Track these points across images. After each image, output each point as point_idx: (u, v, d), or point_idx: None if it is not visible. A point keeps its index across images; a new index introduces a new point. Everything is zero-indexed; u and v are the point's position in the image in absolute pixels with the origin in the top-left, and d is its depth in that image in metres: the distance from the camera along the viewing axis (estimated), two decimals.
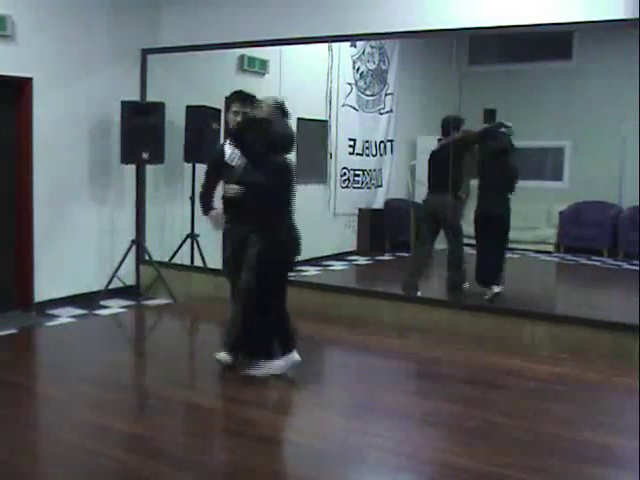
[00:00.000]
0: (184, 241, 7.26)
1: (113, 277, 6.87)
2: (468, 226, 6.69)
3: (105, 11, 6.82)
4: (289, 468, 3.61)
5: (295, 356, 4.71)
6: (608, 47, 6.67)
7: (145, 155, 6.79)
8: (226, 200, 4.86)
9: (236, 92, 4.85)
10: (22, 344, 5.76)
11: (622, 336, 5.23)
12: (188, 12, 7.09)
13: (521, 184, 6.54)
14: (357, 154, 8.47)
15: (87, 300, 6.71)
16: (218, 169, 4.94)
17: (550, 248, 8.04)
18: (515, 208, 6.47)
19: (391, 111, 8.57)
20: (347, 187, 8.49)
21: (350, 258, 8.45)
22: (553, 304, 6.63)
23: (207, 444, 3.76)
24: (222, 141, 5.04)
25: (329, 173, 8.39)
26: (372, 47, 8.32)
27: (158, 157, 6.89)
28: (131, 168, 7.09)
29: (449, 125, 6.51)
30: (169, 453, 3.65)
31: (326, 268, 7.90)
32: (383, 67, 8.50)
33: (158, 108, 6.89)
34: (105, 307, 6.70)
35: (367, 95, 8.48)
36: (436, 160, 6.61)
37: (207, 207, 5.06)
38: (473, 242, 6.71)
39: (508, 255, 6.86)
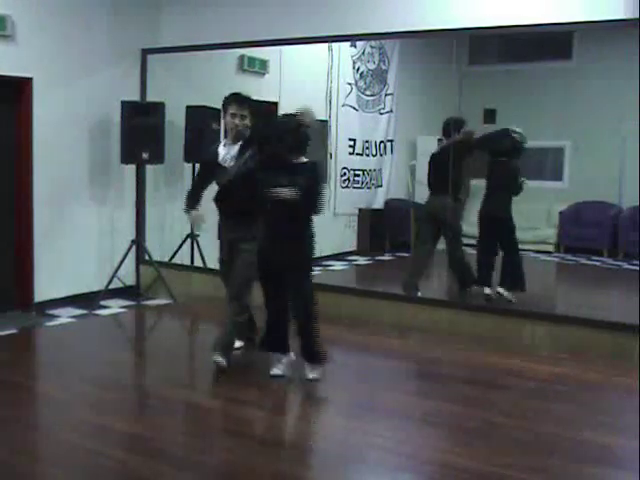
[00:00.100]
0: (184, 241, 7.27)
1: (113, 277, 6.87)
2: (468, 227, 6.69)
3: (105, 11, 6.82)
4: (289, 468, 3.60)
5: (292, 356, 4.74)
6: (608, 47, 6.66)
7: (145, 155, 6.79)
8: (220, 200, 4.85)
9: (233, 94, 4.84)
10: (22, 344, 5.77)
11: (622, 336, 5.23)
12: (188, 12, 7.09)
13: None
14: (357, 154, 8.47)
15: (87, 300, 6.71)
16: (209, 170, 4.92)
17: (550, 248, 8.03)
18: (515, 208, 6.47)
19: (391, 111, 8.57)
20: (347, 187, 8.48)
21: (350, 258, 8.44)
22: (553, 304, 6.62)
23: (207, 444, 3.75)
24: (222, 141, 5.01)
25: (329, 173, 8.39)
26: (372, 47, 8.32)
27: (158, 157, 6.90)
28: (131, 168, 7.09)
29: (449, 127, 6.51)
30: (169, 453, 3.65)
31: (326, 268, 7.89)
32: (383, 67, 8.50)
33: (158, 108, 6.89)
34: (105, 307, 6.70)
35: (367, 95, 8.48)
36: (436, 162, 6.61)
37: (190, 205, 5.02)
38: (472, 242, 6.71)
39: None
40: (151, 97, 7.20)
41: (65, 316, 6.37)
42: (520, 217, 6.53)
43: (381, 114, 8.56)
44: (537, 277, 7.61)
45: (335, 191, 8.42)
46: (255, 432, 3.95)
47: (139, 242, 7.16)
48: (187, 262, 7.31)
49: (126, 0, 6.99)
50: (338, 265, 8.20)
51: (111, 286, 6.86)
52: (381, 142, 8.56)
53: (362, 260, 8.44)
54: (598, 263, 7.96)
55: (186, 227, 7.18)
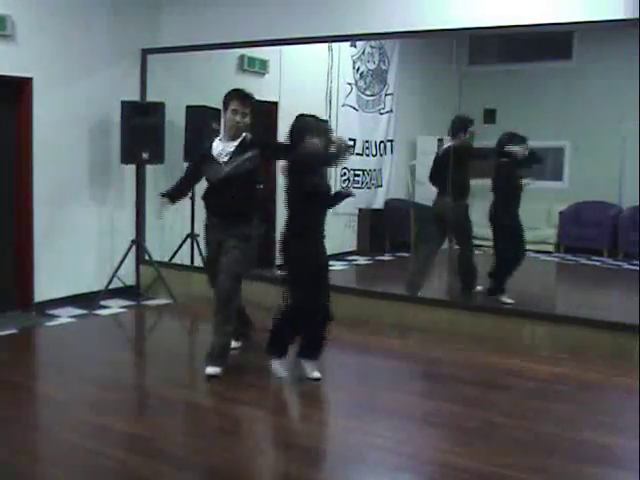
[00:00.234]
0: (184, 241, 7.27)
1: (113, 277, 6.87)
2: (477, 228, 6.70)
3: (105, 11, 6.82)
4: (289, 468, 3.60)
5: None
6: (608, 47, 6.66)
7: (145, 155, 6.79)
8: (210, 198, 4.79)
9: (234, 90, 4.74)
10: (22, 344, 5.77)
11: (622, 336, 5.23)
12: (188, 12, 7.09)
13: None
14: (357, 154, 8.45)
15: (87, 300, 6.71)
16: (202, 164, 4.82)
17: (550, 248, 8.03)
18: None
19: (391, 111, 8.56)
20: (347, 187, 8.48)
21: (350, 258, 8.44)
22: (553, 304, 6.62)
23: (207, 444, 3.76)
24: (218, 136, 4.94)
25: (329, 173, 8.38)
26: (372, 47, 8.31)
27: (158, 157, 6.90)
28: (131, 168, 7.09)
29: (456, 126, 6.50)
30: (169, 453, 3.65)
31: None
32: (383, 67, 8.49)
33: (158, 108, 6.89)
34: (105, 307, 6.70)
35: (367, 95, 8.47)
36: (440, 164, 6.62)
37: (171, 194, 4.95)
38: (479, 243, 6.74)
39: None
40: (151, 97, 7.20)
41: (65, 316, 6.37)
42: (520, 217, 6.52)
43: (381, 114, 8.55)
44: (537, 277, 7.61)
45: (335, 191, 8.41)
46: (255, 432, 3.95)
47: (139, 242, 7.16)
48: (187, 262, 7.31)
49: (126, 0, 6.99)
50: (338, 265, 8.19)
51: (111, 286, 6.86)
52: (381, 142, 8.56)
53: (362, 260, 8.44)
54: (598, 263, 7.96)
55: (186, 227, 7.18)
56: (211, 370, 4.65)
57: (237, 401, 4.38)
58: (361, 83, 8.40)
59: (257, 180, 4.87)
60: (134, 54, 7.19)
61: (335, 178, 8.43)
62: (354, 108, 8.34)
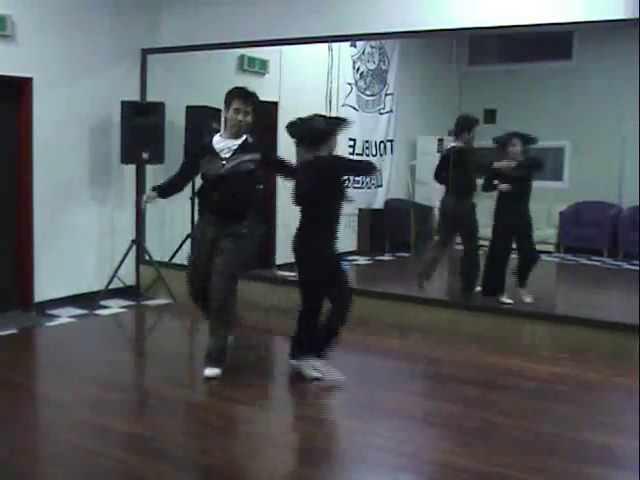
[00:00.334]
0: (184, 241, 7.25)
1: (113, 277, 6.87)
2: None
3: (105, 11, 6.82)
4: (289, 468, 3.60)
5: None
6: (608, 47, 6.66)
7: (145, 155, 6.79)
8: (208, 194, 4.70)
9: (238, 89, 4.69)
10: (22, 344, 5.76)
11: (622, 336, 5.23)
12: (188, 12, 7.09)
13: None
14: (357, 154, 8.46)
15: (87, 300, 6.71)
16: (200, 158, 4.72)
17: (550, 248, 8.03)
18: None
19: (391, 111, 8.56)
20: (347, 187, 8.48)
21: (350, 258, 8.43)
22: (553, 304, 6.62)
23: (207, 444, 3.75)
24: (219, 133, 4.90)
25: None
26: (372, 47, 8.31)
27: (158, 157, 6.89)
28: (131, 168, 7.09)
29: (459, 125, 6.50)
30: (169, 453, 3.65)
31: None
32: (383, 67, 8.49)
33: (158, 108, 6.89)
34: (105, 307, 6.70)
35: (367, 95, 8.48)
36: (445, 163, 6.62)
37: (162, 188, 4.86)
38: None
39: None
40: (151, 97, 7.20)
41: (65, 316, 6.37)
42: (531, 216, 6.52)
43: (381, 114, 8.55)
44: (537, 277, 7.60)
45: None
46: (255, 432, 3.95)
47: (139, 242, 7.16)
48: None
49: (126, 0, 6.99)
50: None
51: (111, 286, 6.86)
52: (381, 142, 8.56)
53: (362, 260, 8.44)
54: (598, 263, 7.96)
55: (186, 227, 7.18)
56: (210, 372, 4.65)
57: (236, 401, 4.37)
58: (361, 83, 8.41)
59: (257, 180, 4.86)
60: (134, 54, 7.19)
61: None
62: (354, 108, 8.35)
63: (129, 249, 6.99)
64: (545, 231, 8.07)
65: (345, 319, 4.66)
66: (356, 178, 8.53)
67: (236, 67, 7.41)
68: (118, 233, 7.13)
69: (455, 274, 6.82)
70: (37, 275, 6.47)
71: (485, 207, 6.58)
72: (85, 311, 6.53)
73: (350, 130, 8.34)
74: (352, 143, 8.45)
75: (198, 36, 6.84)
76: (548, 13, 5.44)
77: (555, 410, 4.29)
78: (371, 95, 8.51)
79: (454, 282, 6.75)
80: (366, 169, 5.25)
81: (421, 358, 5.38)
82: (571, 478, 3.47)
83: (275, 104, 7.29)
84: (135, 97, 7.16)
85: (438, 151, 7.84)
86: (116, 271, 6.89)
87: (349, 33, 6.38)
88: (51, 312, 6.43)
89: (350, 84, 8.30)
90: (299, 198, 4.58)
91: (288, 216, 5.40)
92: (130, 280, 7.20)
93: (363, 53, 8.31)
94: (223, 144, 4.69)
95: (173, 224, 7.36)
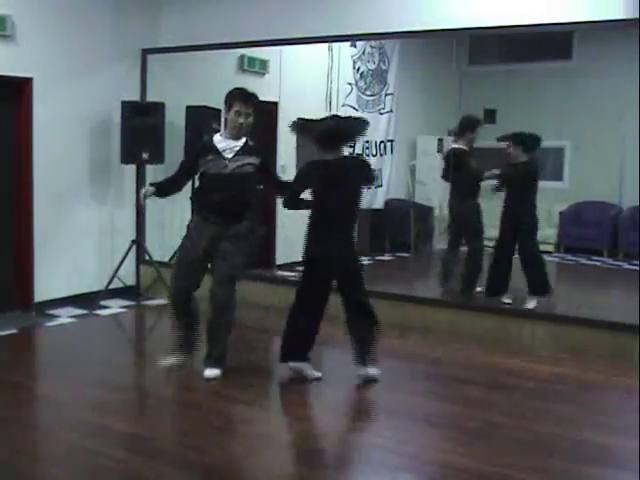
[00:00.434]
0: None
1: (113, 277, 6.87)
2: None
3: (105, 11, 6.82)
4: (290, 468, 3.60)
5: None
6: (608, 47, 6.66)
7: (145, 155, 6.79)
8: (210, 193, 4.66)
9: (238, 90, 4.67)
10: (22, 344, 5.76)
11: (622, 336, 5.24)
12: (188, 12, 7.09)
13: None
14: (357, 154, 8.45)
15: (87, 300, 6.70)
16: (201, 157, 4.67)
17: (550, 248, 8.02)
18: None
19: (391, 111, 8.56)
20: None
21: None
22: (553, 304, 6.62)
23: (207, 444, 3.75)
24: (219, 133, 4.88)
25: None
26: (372, 47, 8.31)
27: (158, 157, 6.89)
28: (131, 168, 7.08)
29: (462, 125, 6.50)
30: (169, 453, 3.65)
31: None
32: (383, 67, 8.49)
33: (158, 108, 6.89)
34: (105, 307, 6.69)
35: (367, 95, 8.47)
36: (447, 165, 6.63)
37: (162, 185, 4.81)
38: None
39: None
40: (151, 97, 7.20)
41: (65, 316, 6.37)
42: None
43: (381, 114, 8.55)
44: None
45: None
46: (254, 432, 3.94)
47: (139, 242, 7.16)
48: None
49: (126, 0, 6.99)
50: None
51: (111, 286, 6.86)
52: (381, 142, 8.55)
53: (362, 260, 8.42)
54: (598, 263, 7.96)
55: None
56: (210, 373, 4.66)
57: (236, 401, 4.37)
58: (361, 83, 8.40)
59: (258, 180, 4.86)
60: (134, 54, 7.19)
61: None
62: (354, 108, 8.34)
63: (129, 249, 6.99)
64: (545, 231, 8.06)
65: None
66: None
67: (236, 67, 7.41)
68: (118, 233, 7.13)
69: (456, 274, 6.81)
70: (37, 275, 6.47)
71: (490, 208, 6.58)
72: (85, 311, 6.53)
73: None
74: (352, 143, 8.44)
75: (198, 36, 6.84)
76: (548, 13, 5.44)
77: (555, 410, 4.29)
78: (371, 95, 8.51)
79: (455, 281, 6.74)
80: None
81: (421, 358, 5.38)
82: (571, 478, 3.47)
83: (275, 104, 7.29)
84: (135, 97, 7.16)
85: (438, 151, 7.85)
86: (116, 271, 6.88)
87: (349, 33, 6.39)
88: (51, 312, 6.43)
89: (350, 84, 8.29)
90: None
91: (288, 216, 5.41)
92: (130, 280, 7.20)
93: (363, 53, 8.31)
94: (225, 144, 4.67)
95: (173, 224, 7.35)
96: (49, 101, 6.37)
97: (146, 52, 7.22)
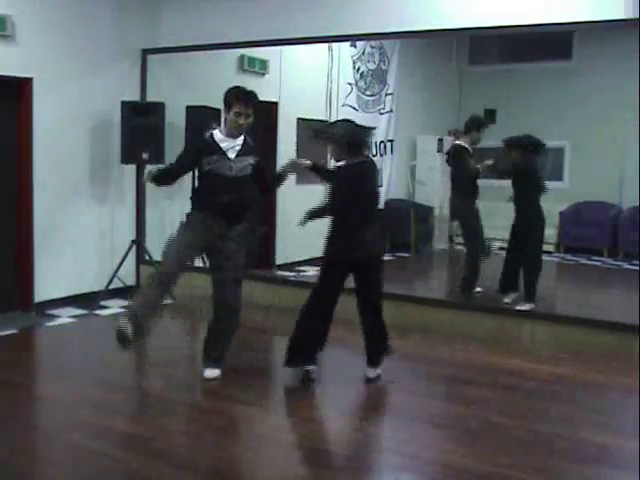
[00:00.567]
0: None
1: (113, 277, 6.86)
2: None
3: (105, 11, 6.82)
4: (290, 468, 3.60)
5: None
6: (608, 47, 6.67)
7: (145, 155, 6.78)
8: (215, 194, 4.60)
9: (236, 89, 4.65)
10: (22, 344, 5.76)
11: (622, 336, 5.23)
12: (188, 12, 7.09)
13: None
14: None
15: (87, 300, 6.70)
16: (203, 154, 4.63)
17: (550, 248, 8.03)
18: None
19: (391, 111, 8.56)
20: None
21: None
22: (553, 304, 6.62)
23: (208, 444, 3.75)
24: (217, 130, 4.84)
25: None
26: (372, 47, 8.31)
27: (158, 157, 6.88)
28: (131, 168, 7.08)
29: (468, 124, 6.50)
30: (170, 453, 3.65)
31: None
32: (383, 67, 8.49)
33: (158, 108, 6.89)
34: (105, 307, 6.69)
35: (367, 95, 8.47)
36: (449, 165, 6.64)
37: (159, 175, 4.77)
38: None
39: None
40: (151, 97, 7.20)
41: (65, 316, 6.37)
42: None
43: (381, 114, 8.55)
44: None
45: None
46: (255, 432, 3.94)
47: (139, 242, 7.16)
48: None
49: (126, 0, 6.99)
50: None
51: (111, 286, 6.86)
52: (381, 142, 8.56)
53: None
54: (598, 263, 7.97)
55: None
56: (210, 373, 4.66)
57: (237, 401, 4.37)
58: (361, 83, 8.40)
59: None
60: (134, 54, 7.19)
61: None
62: (354, 108, 8.34)
63: (129, 249, 6.99)
64: (545, 231, 8.07)
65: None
66: None
67: (236, 67, 7.41)
68: (118, 233, 7.13)
69: (455, 274, 6.82)
70: (37, 275, 6.47)
71: (501, 209, 6.59)
72: (85, 311, 6.53)
73: None
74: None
75: (198, 36, 6.84)
76: (548, 13, 5.44)
77: (555, 410, 4.29)
78: (371, 95, 8.51)
79: (454, 282, 6.75)
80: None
81: (421, 358, 5.38)
82: (571, 478, 3.47)
83: (275, 104, 7.29)
84: (135, 97, 7.15)
85: (438, 151, 7.86)
86: (116, 271, 6.88)
87: (349, 33, 6.38)
88: (51, 312, 6.43)
89: (350, 84, 8.30)
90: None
91: (288, 216, 5.40)
92: (130, 280, 7.20)
93: (363, 53, 8.31)
94: (227, 143, 4.65)
95: (173, 224, 7.33)
96: (49, 101, 6.36)
97: (146, 52, 7.22)
